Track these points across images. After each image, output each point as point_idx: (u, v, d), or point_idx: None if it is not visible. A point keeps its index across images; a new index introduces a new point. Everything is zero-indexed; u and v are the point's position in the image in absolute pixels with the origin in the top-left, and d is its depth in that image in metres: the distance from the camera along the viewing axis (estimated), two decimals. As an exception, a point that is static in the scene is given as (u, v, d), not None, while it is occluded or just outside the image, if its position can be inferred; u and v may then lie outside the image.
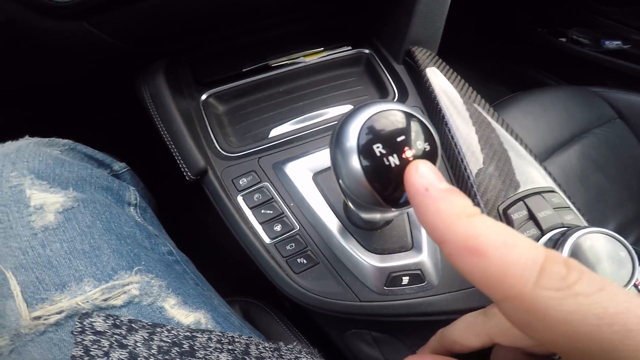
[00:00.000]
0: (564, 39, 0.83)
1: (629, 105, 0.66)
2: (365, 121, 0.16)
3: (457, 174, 0.34)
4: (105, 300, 0.25)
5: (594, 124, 0.64)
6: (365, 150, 0.16)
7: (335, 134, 0.18)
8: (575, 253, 0.26)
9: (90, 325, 0.23)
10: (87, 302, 0.24)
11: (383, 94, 0.41)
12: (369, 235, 0.30)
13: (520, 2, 0.94)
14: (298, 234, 0.32)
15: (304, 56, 0.45)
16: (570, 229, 0.28)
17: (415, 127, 0.17)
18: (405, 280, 0.29)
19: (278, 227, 0.32)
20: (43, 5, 0.28)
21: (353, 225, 0.31)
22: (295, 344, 0.31)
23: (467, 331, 0.19)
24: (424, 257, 0.29)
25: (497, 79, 1.05)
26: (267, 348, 0.29)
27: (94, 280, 0.25)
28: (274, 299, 0.53)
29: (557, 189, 0.33)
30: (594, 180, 0.62)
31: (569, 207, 0.32)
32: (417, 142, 0.16)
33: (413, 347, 0.35)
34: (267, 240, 0.31)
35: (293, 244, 0.31)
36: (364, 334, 0.36)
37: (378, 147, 0.16)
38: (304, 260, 0.31)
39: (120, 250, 0.28)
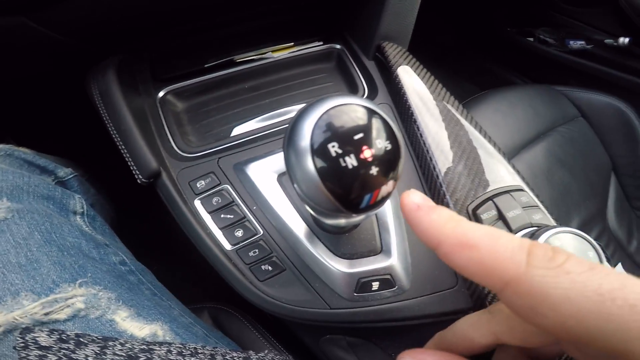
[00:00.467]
0: (531, 39, 0.86)
1: (590, 104, 0.69)
2: (320, 117, 0.15)
3: (426, 174, 0.33)
4: (46, 314, 0.23)
5: (559, 122, 0.66)
6: (319, 150, 0.14)
7: (288, 131, 0.16)
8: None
9: (33, 340, 0.21)
10: (26, 316, 0.23)
11: (353, 90, 0.40)
12: (337, 239, 0.29)
13: (493, 2, 0.96)
14: (262, 239, 0.30)
15: (273, 51, 0.42)
16: (540, 229, 0.27)
17: (375, 123, 0.15)
18: (376, 285, 0.28)
19: (239, 233, 0.29)
20: None
21: (320, 229, 0.29)
22: (266, 352, 0.29)
23: (470, 330, 0.19)
24: (393, 261, 0.28)
25: (468, 77, 1.07)
26: (235, 358, 0.27)
27: (32, 294, 0.24)
28: (246, 304, 0.51)
29: (525, 187, 0.33)
30: (559, 177, 0.64)
31: (537, 206, 0.31)
32: (377, 140, 0.15)
33: (389, 350, 0.34)
34: (227, 247, 0.29)
35: (257, 250, 0.29)
36: (339, 340, 0.35)
37: (334, 147, 0.14)
38: (269, 267, 0.29)
39: (63, 262, 0.26)
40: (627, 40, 0.72)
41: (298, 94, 0.40)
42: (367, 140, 0.14)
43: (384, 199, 0.16)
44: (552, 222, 0.31)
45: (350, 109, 0.15)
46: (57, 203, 0.31)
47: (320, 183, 0.15)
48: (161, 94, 0.38)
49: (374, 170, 0.14)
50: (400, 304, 0.29)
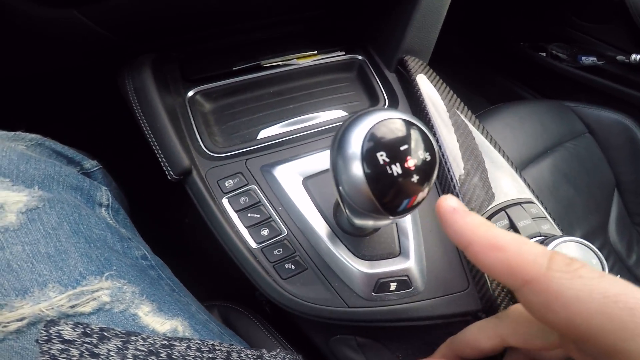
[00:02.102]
0: (544, 54, 0.88)
1: (598, 121, 0.70)
2: (370, 128, 0.16)
3: (442, 183, 0.35)
4: (72, 307, 0.23)
5: (566, 138, 0.68)
6: (368, 158, 0.16)
7: (337, 139, 0.17)
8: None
9: (57, 334, 0.21)
10: (52, 308, 0.22)
11: (374, 101, 0.41)
12: (358, 241, 0.30)
13: (506, 16, 0.98)
14: (286, 239, 0.31)
15: (297, 58, 0.44)
16: (548, 238, 0.29)
17: (416, 136, 0.17)
18: (393, 286, 0.29)
19: (265, 232, 0.31)
20: None
21: (342, 231, 0.30)
22: (278, 350, 0.31)
23: (479, 334, 0.21)
24: (411, 264, 0.30)
25: (479, 90, 1.09)
26: (249, 356, 0.28)
27: (59, 286, 0.23)
28: (254, 303, 0.52)
29: (535, 200, 0.35)
30: (563, 192, 0.66)
31: (545, 217, 0.33)
32: (419, 151, 0.16)
33: (397, 352, 0.35)
34: (253, 245, 0.31)
35: (281, 249, 0.31)
36: (348, 340, 0.36)
37: (382, 155, 0.16)
38: (292, 266, 0.30)
39: (90, 254, 0.26)
40: (638, 57, 0.73)
41: (320, 102, 0.42)
42: (411, 151, 0.16)
43: (418, 204, 0.17)
44: (559, 232, 0.33)
45: (396, 122, 0.17)
46: (85, 194, 0.32)
47: (367, 186, 0.16)
48: (190, 93, 0.39)
49: (414, 178, 0.16)
50: (415, 305, 0.30)
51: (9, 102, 0.49)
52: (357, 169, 0.16)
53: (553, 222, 0.34)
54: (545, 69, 0.89)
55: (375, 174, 0.16)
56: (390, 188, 0.16)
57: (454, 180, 0.33)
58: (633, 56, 0.73)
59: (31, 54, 0.38)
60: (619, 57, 0.75)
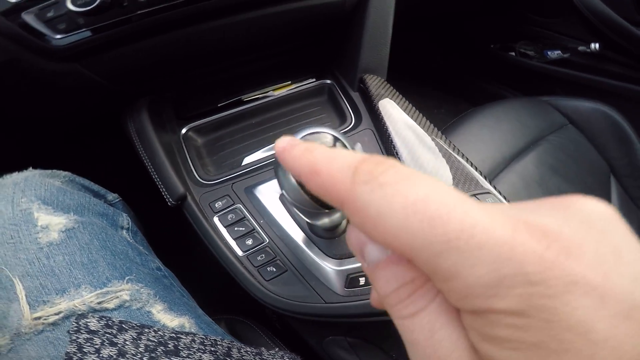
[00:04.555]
0: (513, 53, 0.91)
1: (577, 111, 0.72)
2: None
3: None
4: (99, 303, 0.28)
5: (547, 132, 0.70)
6: None
7: (276, 157, 0.23)
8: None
9: (85, 325, 0.26)
10: (84, 304, 0.28)
11: (342, 119, 0.47)
12: (329, 243, 0.35)
13: (474, 22, 1.02)
14: (267, 247, 0.36)
15: (274, 90, 0.51)
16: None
17: (338, 145, 0.22)
18: (362, 280, 0.33)
19: (250, 241, 0.36)
20: (41, 48, 0.33)
21: (315, 236, 0.35)
22: (277, 350, 0.34)
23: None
24: (376, 259, 0.34)
25: (462, 96, 1.12)
26: (249, 352, 0.32)
27: (90, 287, 0.29)
28: (262, 318, 0.56)
29: (492, 190, 0.38)
30: (553, 184, 0.67)
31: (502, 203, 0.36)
32: None
33: (391, 352, 0.38)
34: (240, 252, 0.36)
35: (263, 255, 0.35)
36: (340, 341, 0.39)
37: None
38: (274, 269, 0.35)
39: (114, 263, 0.32)
40: (597, 45, 0.76)
41: (296, 127, 0.48)
42: None
43: None
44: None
45: (321, 135, 0.22)
46: (110, 219, 0.37)
47: (300, 189, 0.21)
48: (184, 130, 0.46)
49: None
50: None
51: (36, 142, 0.58)
52: (291, 177, 0.21)
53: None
54: (518, 67, 0.92)
55: None
56: None
57: None
58: (592, 45, 0.76)
59: (44, 101, 0.45)
60: (581, 48, 0.78)
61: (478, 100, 1.09)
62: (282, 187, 0.23)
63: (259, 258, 0.35)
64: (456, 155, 0.39)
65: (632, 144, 0.73)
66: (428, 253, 0.10)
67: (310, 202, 0.22)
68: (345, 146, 0.22)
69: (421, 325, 0.12)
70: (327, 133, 0.22)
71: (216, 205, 0.39)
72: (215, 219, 0.38)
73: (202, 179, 0.41)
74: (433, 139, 0.39)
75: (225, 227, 0.37)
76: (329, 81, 0.51)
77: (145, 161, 0.40)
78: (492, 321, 0.10)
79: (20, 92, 0.41)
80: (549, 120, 0.71)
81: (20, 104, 0.45)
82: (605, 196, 0.73)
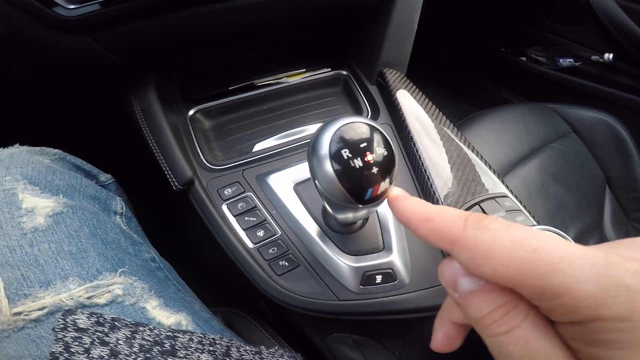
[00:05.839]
0: (524, 58, 0.91)
1: (581, 120, 0.73)
2: (335, 132, 0.20)
3: (424, 190, 0.37)
4: (89, 298, 0.26)
5: (551, 139, 0.71)
6: (336, 156, 0.19)
7: (311, 144, 0.21)
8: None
9: (72, 322, 0.24)
10: (72, 299, 0.25)
11: (357, 113, 0.45)
12: (345, 238, 0.33)
13: (487, 24, 1.03)
14: (280, 239, 0.34)
15: (287, 77, 0.48)
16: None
17: (375, 136, 0.20)
18: (379, 278, 0.32)
19: (261, 233, 0.34)
20: (50, 18, 0.30)
21: (330, 230, 0.33)
22: (276, 348, 0.33)
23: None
24: (394, 257, 0.32)
25: (467, 98, 1.13)
26: (248, 351, 0.30)
27: (79, 279, 0.26)
28: (257, 311, 0.54)
29: (509, 194, 0.37)
30: (553, 191, 0.68)
31: (520, 210, 0.36)
32: (377, 148, 0.20)
33: (393, 349, 0.37)
34: (250, 245, 0.34)
35: (275, 248, 0.34)
36: (345, 337, 0.38)
37: (345, 152, 0.19)
38: (286, 263, 0.33)
39: (106, 254, 0.29)
40: (610, 56, 0.76)
41: (309, 116, 0.46)
42: (369, 148, 0.19)
43: (382, 193, 0.21)
44: (534, 223, 0.35)
45: (357, 125, 0.20)
46: (102, 203, 0.35)
47: (337, 180, 0.19)
48: (191, 112, 0.44)
49: (374, 170, 0.19)
50: (401, 297, 0.32)
51: (29, 121, 0.54)
52: (327, 166, 0.20)
53: (528, 214, 0.36)
54: (527, 72, 0.92)
55: (342, 168, 0.19)
56: (354, 179, 0.19)
57: (433, 187, 0.36)
58: (606, 55, 0.77)
59: (45, 77, 0.42)
60: (594, 57, 0.79)
61: (480, 101, 1.10)
62: (315, 176, 0.21)
63: (270, 251, 0.33)
64: (469, 152, 0.39)
65: (630, 157, 0.74)
66: (535, 276, 0.13)
67: (344, 195, 0.20)
68: (382, 134, 0.20)
69: (516, 340, 0.14)
70: (362, 123, 0.20)
71: (225, 192, 0.36)
72: (224, 207, 0.36)
73: (211, 164, 0.39)
74: (438, 130, 0.39)
75: (234, 216, 0.35)
76: (344, 72, 0.49)
77: (150, 142, 0.37)
78: (598, 327, 0.13)
79: (17, 70, 0.38)
80: (553, 127, 0.72)
81: (16, 83, 0.41)
82: (599, 206, 0.74)
